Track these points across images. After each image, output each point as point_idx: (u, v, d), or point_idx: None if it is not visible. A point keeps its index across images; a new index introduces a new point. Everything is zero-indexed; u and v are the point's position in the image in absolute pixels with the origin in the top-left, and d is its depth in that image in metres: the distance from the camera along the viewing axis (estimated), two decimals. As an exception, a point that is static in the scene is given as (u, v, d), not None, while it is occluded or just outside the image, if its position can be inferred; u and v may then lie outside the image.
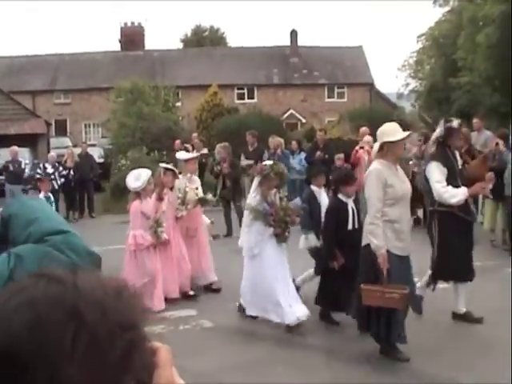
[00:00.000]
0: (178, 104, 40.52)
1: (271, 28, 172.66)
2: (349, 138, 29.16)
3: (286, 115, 50.74)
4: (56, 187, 20.76)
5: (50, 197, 15.28)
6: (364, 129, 18.68)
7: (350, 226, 9.00)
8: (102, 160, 30.37)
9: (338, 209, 9.14)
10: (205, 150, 20.06)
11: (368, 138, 17.55)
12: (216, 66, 52.49)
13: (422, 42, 62.06)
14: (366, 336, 8.11)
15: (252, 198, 9.40)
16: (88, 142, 30.89)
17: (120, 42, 58.97)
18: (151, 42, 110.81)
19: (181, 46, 69.98)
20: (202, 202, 11.85)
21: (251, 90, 53.96)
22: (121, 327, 1.11)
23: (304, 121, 50.30)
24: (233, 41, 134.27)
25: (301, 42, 57.90)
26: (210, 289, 11.40)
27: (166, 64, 53.12)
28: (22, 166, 21.50)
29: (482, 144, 15.73)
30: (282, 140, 19.57)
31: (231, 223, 16.91)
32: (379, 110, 42.47)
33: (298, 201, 10.05)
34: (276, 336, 8.76)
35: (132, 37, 57.40)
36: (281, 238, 9.36)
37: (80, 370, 1.02)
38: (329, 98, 54.35)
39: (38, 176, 19.14)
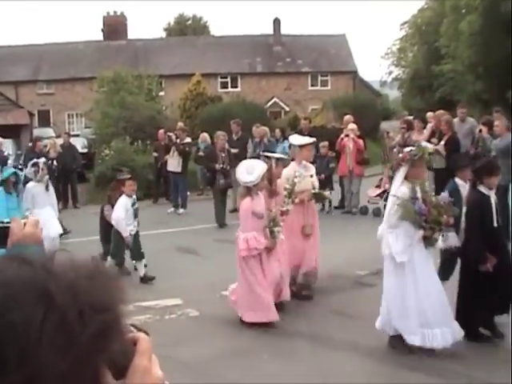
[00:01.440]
0: (162, 93, 40.39)
1: (254, 17, 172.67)
2: (332, 125, 29.23)
3: (270, 104, 50.67)
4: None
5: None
6: (348, 117, 18.70)
7: (495, 223, 8.15)
8: (85, 150, 30.22)
9: (481, 203, 8.14)
10: (188, 139, 19.99)
11: (352, 125, 17.58)
12: (199, 54, 52.33)
13: (405, 30, 62.26)
14: (352, 323, 8.16)
15: (397, 191, 7.91)
16: (71, 133, 30.76)
17: (103, 31, 58.65)
18: (134, 32, 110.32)
19: (164, 35, 69.82)
20: (318, 198, 10.72)
21: (235, 79, 53.86)
22: (92, 309, 1.11)
23: (287, 109, 50.23)
24: (216, 29, 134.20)
25: (284, 30, 57.88)
26: (300, 295, 9.98)
27: (149, 53, 52.90)
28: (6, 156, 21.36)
29: (468, 132, 15.76)
30: (267, 129, 19.56)
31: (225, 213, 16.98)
32: (363, 97, 42.49)
33: (445, 195, 8.25)
34: (261, 323, 8.76)
35: (115, 26, 57.08)
36: (429, 241, 7.80)
37: (49, 350, 1.04)
38: (312, 86, 54.32)
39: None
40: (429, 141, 15.00)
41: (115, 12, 58.48)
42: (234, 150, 17.55)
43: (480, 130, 14.29)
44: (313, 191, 10.27)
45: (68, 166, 21.85)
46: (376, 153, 23.17)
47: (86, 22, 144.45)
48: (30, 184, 12.77)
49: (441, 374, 6.85)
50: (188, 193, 19.72)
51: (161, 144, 21.03)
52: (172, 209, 19.53)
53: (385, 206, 17.38)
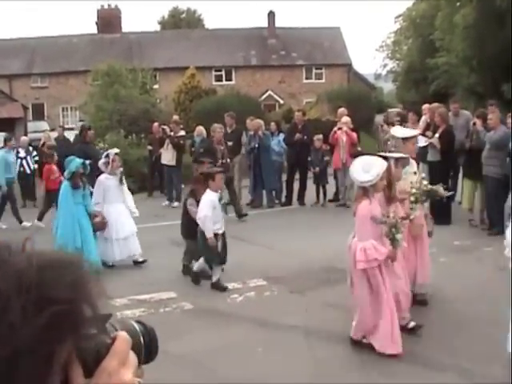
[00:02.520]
0: (156, 86, 40.32)
1: (249, 9, 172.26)
2: (327, 118, 29.21)
3: (264, 96, 50.65)
4: (28, 172, 20.62)
5: None
6: (342, 109, 18.68)
7: None
8: (79, 144, 30.16)
9: None
10: (182, 132, 19.98)
11: (346, 118, 17.57)
12: (193, 47, 52.27)
13: (400, 23, 62.22)
14: (347, 316, 8.16)
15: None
16: (65, 126, 30.71)
17: (97, 24, 58.51)
18: (128, 25, 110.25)
19: (158, 28, 69.70)
20: (432, 195, 9.03)
21: (229, 72, 53.83)
22: (41, 300, 1.09)
23: (282, 102, 50.22)
24: (210, 23, 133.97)
25: (278, 23, 57.88)
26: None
27: (144, 46, 52.83)
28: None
29: (463, 125, 15.76)
30: (261, 121, 19.56)
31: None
32: (357, 90, 42.44)
33: None
34: (256, 317, 8.77)
35: (109, 19, 56.95)
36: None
37: None
38: (307, 79, 54.32)
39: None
40: (423, 134, 15.02)
41: (109, 5, 58.38)
42: (228, 143, 17.52)
43: (474, 123, 14.30)
44: (425, 188, 8.83)
45: (62, 160, 21.79)
46: (370, 145, 23.16)
47: (79, 15, 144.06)
48: (103, 176, 12.07)
49: (439, 368, 6.86)
50: (182, 186, 19.69)
51: (155, 137, 21.01)
52: (166, 202, 19.52)
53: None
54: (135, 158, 22.93)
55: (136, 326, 1.37)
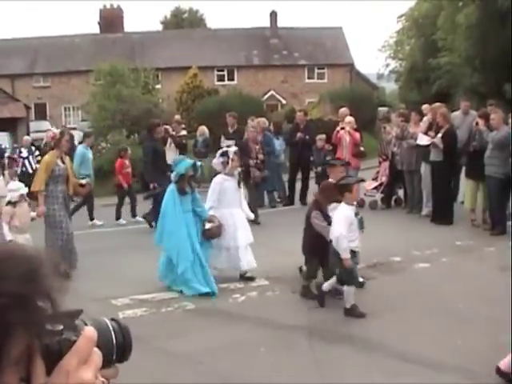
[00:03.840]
0: (158, 86, 40.39)
1: (251, 9, 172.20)
2: (329, 118, 29.18)
3: (267, 96, 50.66)
4: (30, 171, 20.62)
5: None
6: (344, 109, 18.64)
7: None
8: (82, 143, 30.19)
9: None
10: (183, 132, 19.98)
11: (349, 118, 17.53)
12: (196, 47, 52.26)
13: (402, 23, 62.12)
14: (348, 316, 8.17)
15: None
16: (68, 126, 30.73)
17: (99, 24, 58.56)
18: (130, 24, 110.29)
19: (160, 28, 69.72)
20: None
21: (231, 72, 53.84)
22: None
23: (284, 102, 50.24)
24: (212, 22, 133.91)
25: (281, 23, 57.92)
26: None
27: (146, 46, 52.84)
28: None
29: (470, 124, 15.74)
30: (266, 121, 19.49)
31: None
32: (359, 90, 42.44)
33: None
34: (258, 317, 8.77)
35: (111, 19, 57.00)
36: None
37: None
38: (309, 78, 54.32)
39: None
40: (426, 133, 15.02)
41: (112, 5, 58.45)
42: (229, 142, 17.50)
43: (477, 123, 14.28)
44: None
45: (64, 159, 21.81)
46: (373, 145, 23.17)
47: (82, 15, 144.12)
48: (219, 177, 10.73)
49: (436, 366, 6.86)
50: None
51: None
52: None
53: (381, 198, 17.52)
54: (137, 157, 22.93)
55: (109, 323, 1.34)
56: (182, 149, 19.54)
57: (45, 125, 39.28)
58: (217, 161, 11.05)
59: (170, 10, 73.25)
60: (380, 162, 17.94)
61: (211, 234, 10.33)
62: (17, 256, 1.19)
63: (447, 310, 8.66)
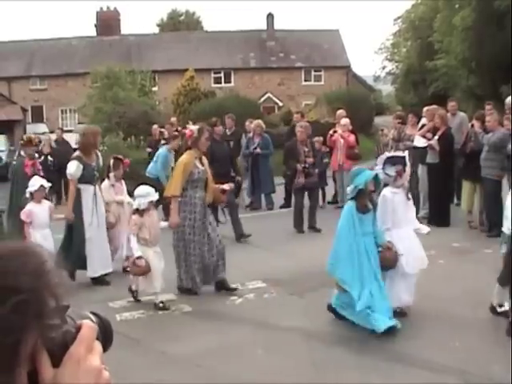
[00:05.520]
0: (155, 88, 40.45)
1: (248, 12, 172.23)
2: (326, 120, 29.22)
3: (263, 99, 50.72)
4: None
5: None
6: (341, 111, 18.67)
7: None
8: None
9: None
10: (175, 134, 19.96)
11: (344, 120, 17.56)
12: (192, 50, 52.31)
13: (399, 25, 62.22)
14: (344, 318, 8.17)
15: None
16: (65, 128, 30.73)
17: (96, 26, 58.57)
18: (127, 27, 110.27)
19: (157, 30, 69.76)
20: None
21: (228, 74, 53.88)
22: (3, 291, 1.14)
23: (281, 104, 50.27)
24: (209, 25, 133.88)
25: (277, 25, 58.01)
26: None
27: (142, 49, 52.89)
28: None
29: (457, 126, 15.80)
30: (262, 123, 19.52)
31: None
32: (356, 92, 42.55)
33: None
34: (255, 319, 8.77)
35: (108, 21, 57.04)
36: None
37: None
38: (306, 81, 54.38)
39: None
40: (424, 136, 15.03)
41: (108, 7, 58.52)
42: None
43: (472, 125, 14.31)
44: None
45: (61, 162, 21.77)
46: (369, 148, 23.20)
47: (79, 17, 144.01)
48: (388, 191, 8.69)
49: (440, 369, 6.86)
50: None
51: (154, 139, 21.00)
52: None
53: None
54: (134, 160, 22.93)
55: (92, 317, 1.38)
56: (177, 152, 19.52)
57: (41, 127, 39.33)
58: (388, 170, 8.78)
59: (166, 13, 73.26)
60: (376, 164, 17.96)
61: (389, 264, 8.39)
62: (27, 252, 1.22)
63: (444, 311, 8.66)
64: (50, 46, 53.72)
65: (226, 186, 10.93)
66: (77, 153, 11.12)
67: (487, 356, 6.95)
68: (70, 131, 35.22)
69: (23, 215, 10.35)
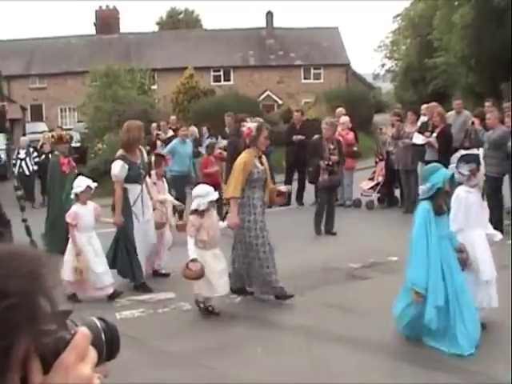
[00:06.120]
0: (154, 87, 40.42)
1: (247, 10, 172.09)
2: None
3: (263, 97, 50.66)
4: (27, 173, 20.60)
5: None
6: (340, 109, 18.68)
7: None
8: (78, 144, 30.22)
9: None
10: (171, 133, 19.96)
11: (343, 118, 17.56)
12: (192, 48, 52.25)
13: (398, 23, 62.23)
14: (346, 316, 8.17)
15: None
16: (64, 127, 30.72)
17: (95, 25, 58.52)
18: (126, 25, 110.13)
19: (156, 28, 69.69)
20: None
21: (227, 72, 53.82)
22: None
23: (281, 102, 50.22)
24: (208, 23, 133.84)
25: (276, 23, 57.93)
26: None
27: (142, 47, 52.83)
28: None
29: (462, 124, 15.81)
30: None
31: None
32: (356, 90, 42.57)
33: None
34: (255, 317, 8.76)
35: (107, 20, 56.97)
36: None
37: None
38: (305, 79, 54.32)
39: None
40: (422, 133, 15.04)
41: (107, 6, 58.42)
42: (226, 142, 17.45)
43: (472, 122, 14.31)
44: None
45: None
46: (369, 146, 23.20)
47: (77, 16, 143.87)
48: (462, 190, 8.05)
49: (440, 368, 6.85)
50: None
51: (152, 140, 21.01)
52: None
53: (378, 198, 17.54)
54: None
55: (97, 322, 1.37)
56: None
57: (41, 126, 39.30)
58: (461, 169, 8.15)
59: (165, 11, 73.11)
60: (376, 162, 17.99)
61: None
62: (21, 255, 1.20)
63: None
64: (49, 44, 53.65)
65: (284, 188, 10.86)
66: (120, 151, 10.26)
67: (487, 354, 6.94)
68: (70, 130, 35.25)
69: (69, 217, 9.82)
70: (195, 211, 8.66)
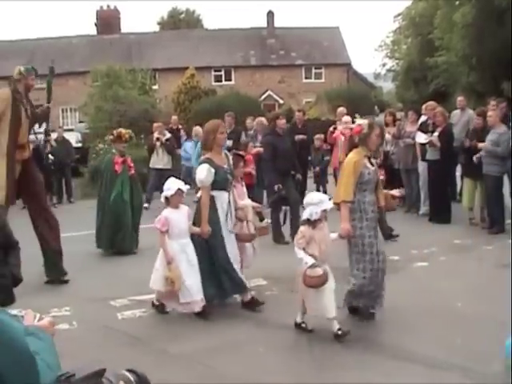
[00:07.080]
0: (155, 87, 40.37)
1: (248, 10, 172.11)
2: (327, 118, 29.25)
3: (264, 96, 50.70)
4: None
5: None
6: (341, 109, 18.64)
7: None
8: (79, 145, 30.23)
9: None
10: (168, 135, 19.89)
11: (345, 118, 17.54)
12: (193, 48, 52.30)
13: (399, 22, 62.17)
14: (344, 315, 8.16)
15: None
16: (65, 127, 30.75)
17: (96, 25, 58.56)
18: (127, 25, 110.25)
19: (157, 28, 69.76)
20: None
21: (228, 72, 53.86)
22: None
23: (282, 102, 50.26)
24: (209, 23, 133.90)
25: (277, 23, 58.07)
26: None
27: (143, 47, 52.86)
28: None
29: (465, 123, 15.80)
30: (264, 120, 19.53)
31: None
32: (357, 90, 42.61)
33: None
34: (256, 317, 8.76)
35: (108, 20, 57.03)
36: None
37: None
38: (306, 78, 54.36)
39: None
40: (424, 131, 15.03)
41: (108, 6, 58.49)
42: (227, 142, 17.43)
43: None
44: None
45: (62, 161, 21.80)
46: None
47: (79, 16, 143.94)
48: None
49: (435, 365, 6.85)
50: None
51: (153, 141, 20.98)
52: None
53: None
54: (135, 158, 22.92)
55: (130, 376, 1.40)
56: (169, 152, 19.43)
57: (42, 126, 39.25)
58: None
59: (167, 11, 73.26)
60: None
61: None
62: None
63: (446, 308, 8.65)
64: (51, 44, 53.64)
65: (397, 192, 10.19)
66: (206, 155, 9.02)
67: (488, 353, 6.94)
68: (71, 130, 35.28)
69: (158, 223, 8.93)
70: (307, 221, 7.87)
